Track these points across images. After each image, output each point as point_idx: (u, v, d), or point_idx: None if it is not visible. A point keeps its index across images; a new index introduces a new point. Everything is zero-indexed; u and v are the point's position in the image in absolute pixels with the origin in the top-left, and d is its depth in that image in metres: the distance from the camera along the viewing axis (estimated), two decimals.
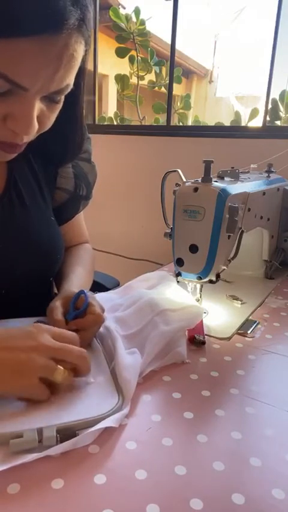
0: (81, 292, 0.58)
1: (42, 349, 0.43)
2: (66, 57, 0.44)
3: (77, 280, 0.68)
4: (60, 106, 0.51)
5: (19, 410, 0.43)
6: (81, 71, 0.52)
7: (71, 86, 0.49)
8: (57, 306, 0.56)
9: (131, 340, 0.57)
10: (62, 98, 0.50)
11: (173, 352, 0.57)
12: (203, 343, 0.62)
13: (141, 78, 2.37)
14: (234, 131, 1.85)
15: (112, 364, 0.52)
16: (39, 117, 0.49)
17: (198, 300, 0.70)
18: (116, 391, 0.47)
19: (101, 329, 0.59)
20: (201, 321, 0.63)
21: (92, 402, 0.45)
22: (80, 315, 0.56)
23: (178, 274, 0.68)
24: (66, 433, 0.40)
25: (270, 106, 1.79)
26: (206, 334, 0.64)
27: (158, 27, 2.70)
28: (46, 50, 0.42)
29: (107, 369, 0.51)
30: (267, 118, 1.78)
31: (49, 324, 0.54)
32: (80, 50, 0.46)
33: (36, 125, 0.48)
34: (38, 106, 0.47)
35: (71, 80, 0.48)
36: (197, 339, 0.62)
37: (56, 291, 0.81)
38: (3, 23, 0.39)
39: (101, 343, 0.57)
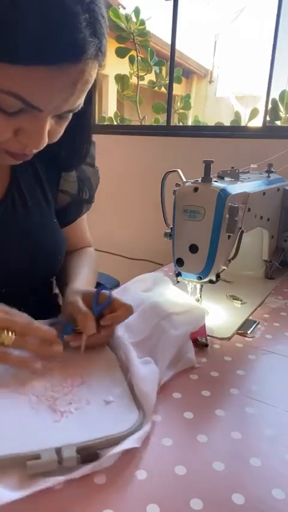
0: (104, 287, 0.57)
1: None
2: (81, 83, 0.45)
3: (83, 280, 0.68)
4: (69, 120, 0.53)
5: (34, 427, 0.41)
6: (93, 86, 0.52)
7: (82, 104, 0.50)
8: (78, 300, 0.55)
9: (139, 348, 0.55)
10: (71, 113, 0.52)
11: (185, 359, 0.56)
12: (206, 345, 0.62)
13: (141, 78, 2.36)
14: (234, 131, 1.85)
15: (128, 376, 0.50)
16: (49, 131, 0.50)
17: (198, 300, 0.70)
18: (135, 406, 0.45)
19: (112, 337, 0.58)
20: (204, 324, 0.63)
21: (111, 418, 0.43)
22: (104, 310, 0.56)
23: (178, 274, 0.68)
24: (86, 452, 0.38)
25: (270, 106, 1.78)
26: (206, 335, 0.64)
27: (158, 27, 2.70)
28: (63, 77, 0.43)
29: (124, 381, 0.49)
30: (267, 118, 1.78)
31: (75, 317, 0.53)
32: (94, 74, 0.47)
33: (46, 140, 0.50)
34: (49, 121, 0.49)
35: (82, 100, 0.49)
36: (199, 342, 0.61)
37: (56, 291, 0.81)
38: (23, 51, 0.40)
39: (114, 353, 0.55)
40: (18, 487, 0.34)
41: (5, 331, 0.47)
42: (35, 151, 0.51)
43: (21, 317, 0.50)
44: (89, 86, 0.48)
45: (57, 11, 0.40)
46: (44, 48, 0.40)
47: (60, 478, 0.35)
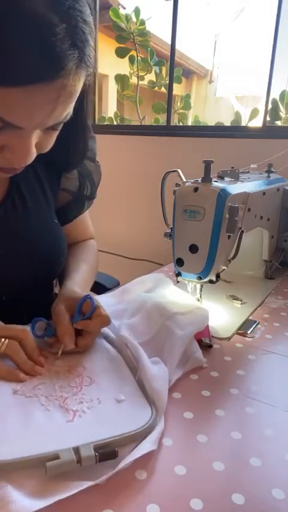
0: (87, 296, 0.57)
1: None
2: (63, 97, 0.43)
3: (80, 277, 0.68)
4: (59, 130, 0.51)
5: (49, 428, 0.41)
6: (85, 92, 0.51)
7: (71, 113, 0.48)
8: (63, 311, 0.55)
9: (145, 348, 0.55)
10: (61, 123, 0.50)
11: (193, 358, 0.56)
12: (210, 346, 0.62)
13: (141, 78, 2.36)
14: (234, 131, 1.85)
15: (137, 374, 0.50)
16: (38, 143, 0.48)
17: (198, 300, 0.70)
18: (147, 403, 0.45)
19: (115, 337, 0.58)
20: (208, 324, 0.62)
21: (124, 416, 0.43)
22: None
23: (178, 274, 0.68)
24: (104, 450, 0.37)
25: (270, 106, 1.78)
26: None
27: (158, 27, 2.70)
28: (42, 95, 0.41)
29: (133, 380, 0.50)
30: (267, 118, 1.78)
31: (56, 328, 0.54)
32: (79, 84, 0.44)
33: (34, 154, 0.48)
34: (36, 135, 0.47)
35: (70, 110, 0.47)
36: (204, 342, 0.61)
37: (56, 291, 0.82)
38: None
39: (119, 353, 0.55)
40: (39, 491, 0.34)
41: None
42: (23, 165, 0.50)
43: (16, 326, 0.52)
44: (75, 97, 0.45)
45: (30, 26, 0.37)
46: (17, 69, 0.37)
47: (85, 484, 0.35)
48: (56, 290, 0.82)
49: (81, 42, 0.40)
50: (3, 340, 0.49)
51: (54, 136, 0.51)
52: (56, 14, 0.38)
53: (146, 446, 0.39)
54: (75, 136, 0.62)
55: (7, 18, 0.36)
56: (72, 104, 0.47)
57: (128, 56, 2.31)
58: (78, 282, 0.66)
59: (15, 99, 0.40)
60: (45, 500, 0.33)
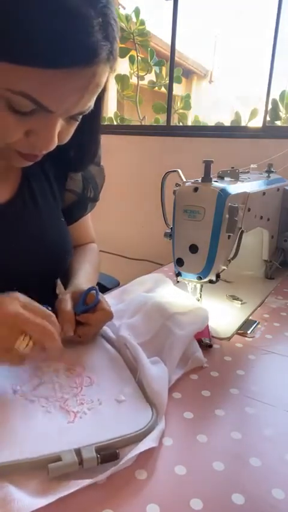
0: (92, 288, 0.58)
1: (6, 319, 0.44)
2: (92, 86, 0.46)
3: (85, 276, 0.70)
4: (78, 121, 0.53)
5: (50, 430, 0.41)
6: (103, 88, 0.53)
7: (92, 106, 0.50)
8: (66, 299, 0.58)
9: (145, 348, 0.55)
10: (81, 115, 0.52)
11: (193, 358, 0.56)
12: (210, 346, 0.62)
13: (141, 78, 2.36)
14: (234, 131, 1.85)
15: (137, 375, 0.50)
16: (59, 133, 0.50)
17: (198, 300, 0.70)
18: (147, 404, 0.46)
19: (115, 337, 0.58)
20: (208, 324, 0.62)
21: (125, 417, 0.43)
22: (89, 311, 0.57)
23: (178, 274, 0.68)
24: (106, 452, 0.38)
25: (270, 106, 1.78)
26: None
27: (158, 27, 2.70)
28: (75, 80, 0.43)
29: (133, 380, 0.50)
30: (267, 118, 1.78)
31: (57, 315, 0.53)
32: (105, 77, 0.48)
33: (56, 141, 0.50)
34: (60, 122, 0.49)
35: (92, 103, 0.50)
36: (204, 342, 0.61)
37: (57, 291, 0.82)
38: (36, 54, 0.40)
39: (119, 353, 0.55)
40: (41, 491, 0.34)
41: (22, 336, 0.44)
42: (44, 152, 0.52)
43: (42, 314, 0.47)
44: (100, 88, 0.48)
45: (71, 15, 0.40)
46: (57, 52, 0.40)
47: (86, 481, 0.35)
48: (57, 291, 0.82)
49: (112, 37, 0.45)
50: (28, 341, 0.44)
51: (74, 127, 0.53)
52: (93, 8, 0.41)
53: (146, 443, 0.39)
54: (90, 135, 0.64)
55: (48, 6, 0.39)
56: (95, 97, 0.49)
57: (128, 56, 2.31)
58: (83, 281, 0.67)
59: (50, 81, 0.42)
60: (46, 498, 0.33)
